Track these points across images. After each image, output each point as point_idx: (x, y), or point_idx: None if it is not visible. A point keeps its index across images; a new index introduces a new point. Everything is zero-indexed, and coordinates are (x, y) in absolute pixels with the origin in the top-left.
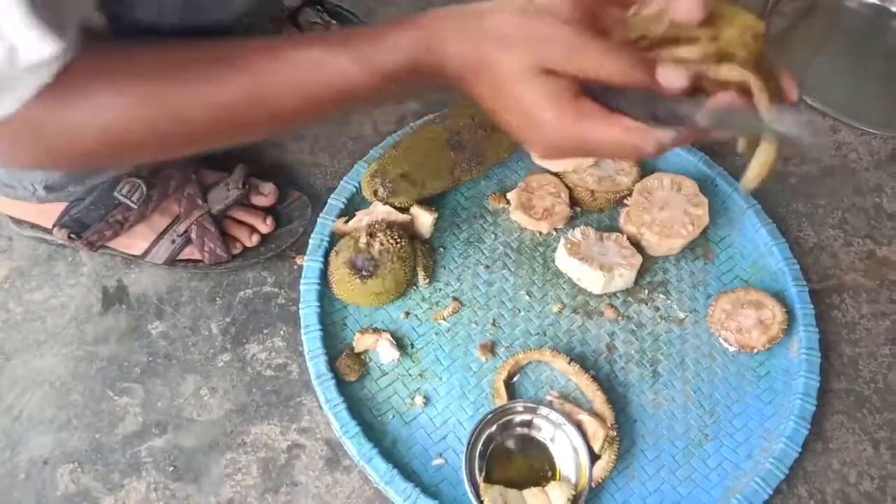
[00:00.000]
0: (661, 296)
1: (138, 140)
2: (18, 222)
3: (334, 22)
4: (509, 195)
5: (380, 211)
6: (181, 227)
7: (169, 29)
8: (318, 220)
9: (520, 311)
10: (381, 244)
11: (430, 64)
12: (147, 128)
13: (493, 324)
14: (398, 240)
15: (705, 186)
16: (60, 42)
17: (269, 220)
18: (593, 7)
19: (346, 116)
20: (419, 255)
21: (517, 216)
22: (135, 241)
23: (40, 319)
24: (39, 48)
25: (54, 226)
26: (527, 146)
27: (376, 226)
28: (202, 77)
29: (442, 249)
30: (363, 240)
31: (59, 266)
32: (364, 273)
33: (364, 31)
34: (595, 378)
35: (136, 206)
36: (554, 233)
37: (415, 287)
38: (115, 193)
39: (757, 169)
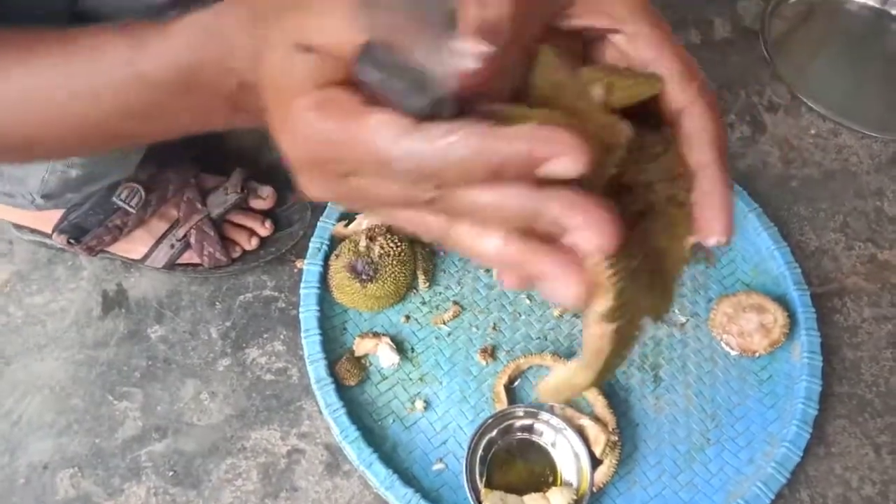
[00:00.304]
0: None
1: None
2: (19, 227)
3: None
4: None
5: None
6: (180, 232)
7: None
8: (318, 223)
9: (520, 315)
10: (382, 248)
11: (216, 56)
12: None
13: (494, 328)
14: (398, 243)
15: None
16: None
17: (269, 224)
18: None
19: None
20: (419, 258)
21: None
22: (134, 246)
23: (41, 323)
24: None
25: (53, 231)
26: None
27: (376, 229)
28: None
29: (442, 253)
30: (363, 243)
31: (60, 270)
32: (364, 277)
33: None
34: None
35: (134, 211)
36: None
37: (415, 291)
38: (114, 199)
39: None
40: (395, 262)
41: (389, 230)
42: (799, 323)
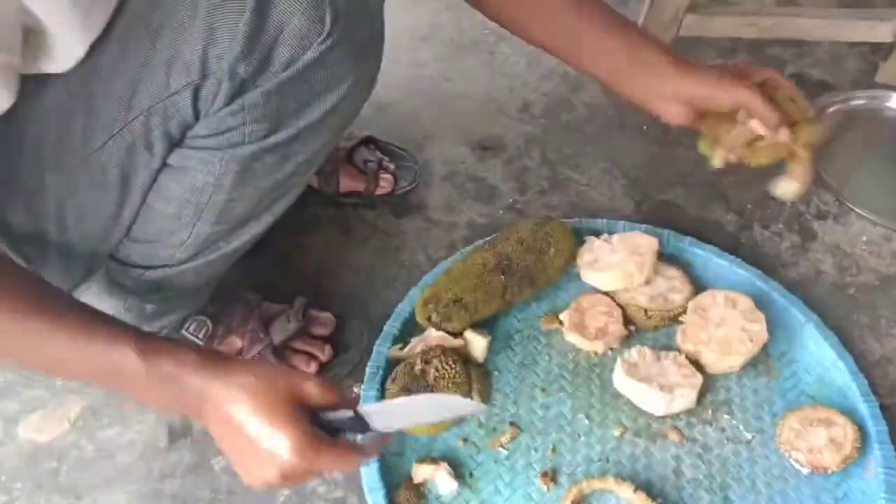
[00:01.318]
0: (725, 416)
1: None
2: None
3: (387, 158)
4: (561, 316)
5: (434, 337)
6: None
7: None
8: (374, 347)
9: (580, 436)
10: (437, 370)
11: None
12: None
13: (553, 450)
14: (452, 365)
15: (761, 301)
16: None
17: (328, 349)
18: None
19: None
20: (474, 379)
21: (571, 337)
22: None
23: (110, 457)
24: None
25: None
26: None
27: (431, 352)
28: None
29: (497, 373)
30: (418, 367)
31: (129, 404)
32: None
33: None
34: None
35: (202, 343)
36: (610, 353)
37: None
38: (183, 331)
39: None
40: (450, 385)
41: (444, 352)
42: (871, 436)
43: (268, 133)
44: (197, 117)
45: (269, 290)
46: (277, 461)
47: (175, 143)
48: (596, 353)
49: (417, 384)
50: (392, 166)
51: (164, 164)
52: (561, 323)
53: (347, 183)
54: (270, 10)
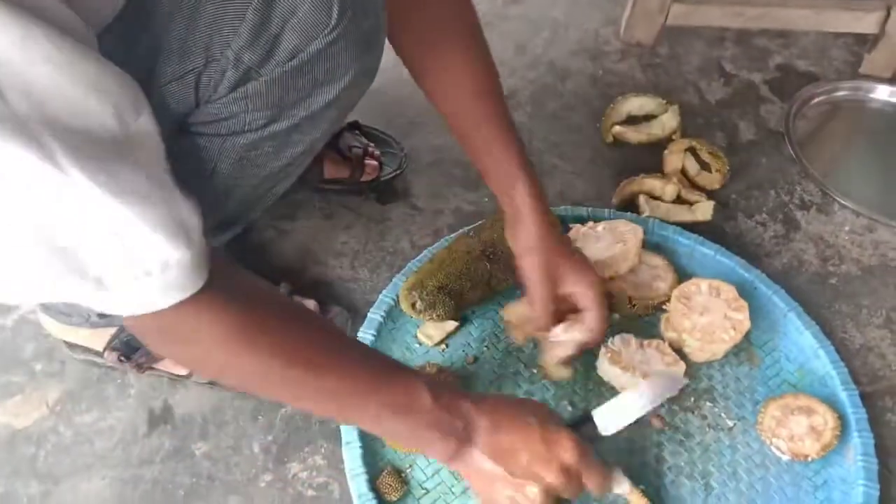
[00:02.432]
0: (707, 403)
1: (239, 385)
2: (72, 346)
3: (372, 145)
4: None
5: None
6: None
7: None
8: (358, 334)
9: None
10: None
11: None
12: (253, 386)
13: None
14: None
15: (744, 290)
16: (191, 249)
17: None
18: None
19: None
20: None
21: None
22: None
23: (89, 442)
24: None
25: (105, 349)
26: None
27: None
28: (321, 369)
29: (480, 360)
30: None
31: (109, 388)
32: None
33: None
34: (645, 493)
35: None
36: None
37: None
38: None
39: None
40: None
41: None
42: (850, 424)
43: (268, 122)
44: (198, 104)
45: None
46: (562, 459)
47: (172, 128)
48: None
49: None
50: (377, 152)
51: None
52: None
53: (332, 169)
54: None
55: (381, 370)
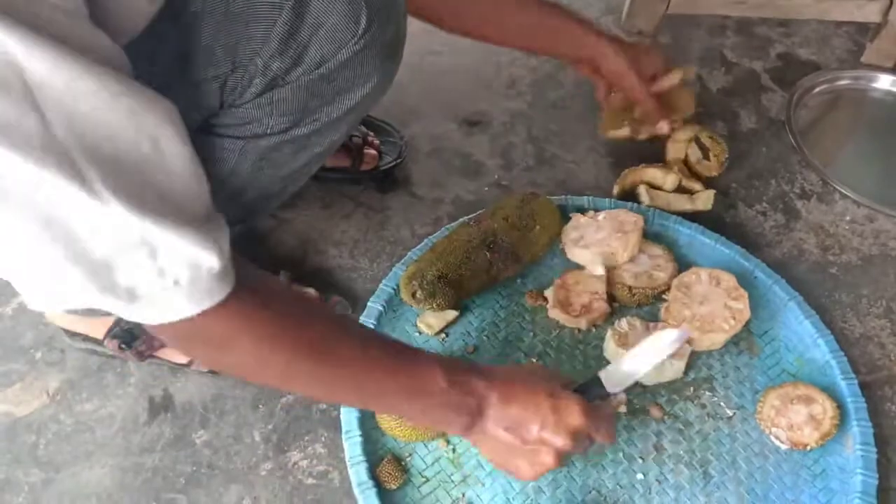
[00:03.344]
0: (707, 392)
1: (266, 383)
2: (72, 334)
3: (371, 133)
4: (546, 293)
5: None
6: None
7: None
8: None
9: None
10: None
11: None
12: (279, 383)
13: None
14: None
15: (744, 280)
16: (222, 260)
17: None
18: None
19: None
20: None
21: (555, 314)
22: None
23: (89, 430)
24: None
25: (105, 337)
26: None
27: None
28: (345, 363)
29: (480, 350)
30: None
31: (109, 377)
32: None
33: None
34: (645, 480)
35: None
36: (593, 330)
37: None
38: None
39: None
40: None
41: None
42: (849, 413)
43: (290, 126)
44: (221, 106)
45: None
46: (570, 422)
47: (194, 128)
48: (579, 330)
49: None
50: (377, 141)
51: None
52: (545, 300)
53: (332, 158)
54: (308, 8)
55: (398, 356)
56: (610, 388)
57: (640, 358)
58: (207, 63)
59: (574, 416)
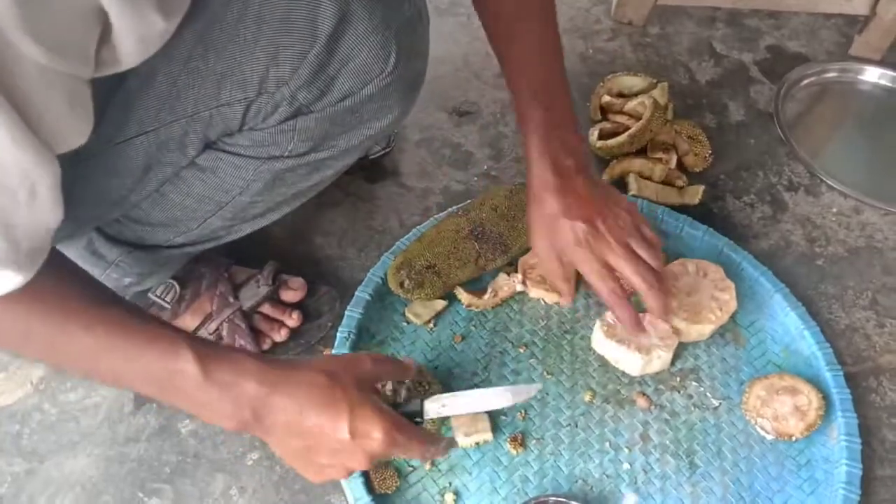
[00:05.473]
0: (693, 383)
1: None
2: None
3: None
4: (522, 272)
5: (502, 282)
6: (213, 325)
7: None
8: (346, 312)
9: (549, 401)
10: (408, 390)
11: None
12: (32, 353)
13: (523, 415)
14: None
15: (731, 271)
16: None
17: (297, 315)
18: None
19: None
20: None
21: (537, 293)
22: None
23: (74, 420)
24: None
25: None
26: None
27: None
28: (69, 337)
29: (468, 339)
30: (389, 387)
31: None
32: None
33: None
34: (631, 469)
35: (169, 306)
36: (581, 319)
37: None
38: (150, 294)
39: None
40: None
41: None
42: (834, 404)
43: (309, 151)
44: (241, 128)
45: (239, 254)
46: (368, 449)
47: (209, 145)
48: (562, 306)
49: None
50: None
51: (192, 163)
52: (524, 282)
53: None
54: (340, 43)
55: (142, 331)
56: (426, 412)
57: (463, 401)
58: (233, 85)
59: (374, 442)
